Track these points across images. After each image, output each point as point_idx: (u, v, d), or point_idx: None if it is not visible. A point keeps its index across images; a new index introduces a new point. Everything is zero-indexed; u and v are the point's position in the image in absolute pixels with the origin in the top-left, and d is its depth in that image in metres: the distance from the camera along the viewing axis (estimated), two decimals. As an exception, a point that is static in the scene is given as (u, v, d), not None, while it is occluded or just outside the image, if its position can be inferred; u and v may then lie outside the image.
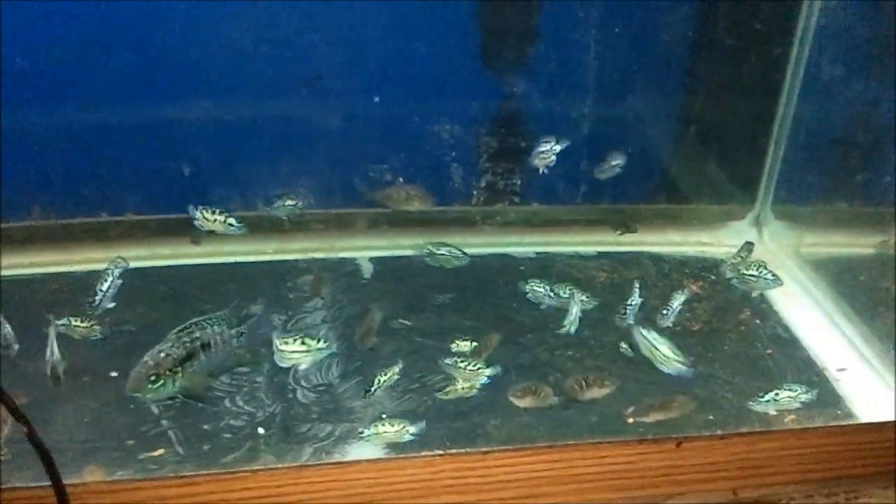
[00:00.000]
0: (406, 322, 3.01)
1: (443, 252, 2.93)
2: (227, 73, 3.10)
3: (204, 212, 2.54)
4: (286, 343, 2.36)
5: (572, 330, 2.78)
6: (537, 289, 2.85)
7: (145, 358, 2.19)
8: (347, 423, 2.53)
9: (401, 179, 3.33)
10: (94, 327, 2.56)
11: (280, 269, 3.30)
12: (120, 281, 2.58)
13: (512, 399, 2.60)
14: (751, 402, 2.49)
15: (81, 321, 2.54)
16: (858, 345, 3.04)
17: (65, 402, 2.52)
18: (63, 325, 2.51)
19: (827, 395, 2.74)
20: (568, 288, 2.84)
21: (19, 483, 2.13)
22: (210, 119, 3.16)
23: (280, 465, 2.35)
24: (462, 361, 2.58)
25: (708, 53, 3.47)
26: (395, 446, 2.39)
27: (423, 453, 2.36)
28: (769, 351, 2.96)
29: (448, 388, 2.62)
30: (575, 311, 2.75)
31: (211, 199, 3.21)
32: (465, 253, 2.95)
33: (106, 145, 3.18)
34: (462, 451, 2.37)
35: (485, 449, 2.37)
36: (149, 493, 2.19)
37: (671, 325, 2.81)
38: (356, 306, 3.08)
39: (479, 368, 2.58)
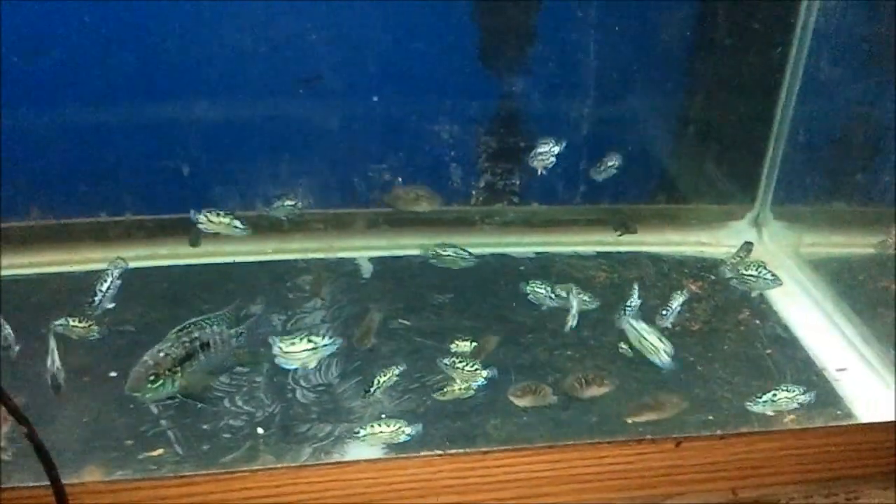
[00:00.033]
0: (405, 322, 3.01)
1: (449, 253, 2.90)
2: (226, 72, 3.11)
3: (208, 214, 2.53)
4: (292, 344, 2.27)
5: (573, 324, 2.76)
6: (538, 290, 2.84)
7: (145, 358, 2.20)
8: (346, 424, 2.53)
9: (399, 179, 3.33)
10: (92, 327, 2.55)
11: (279, 268, 3.30)
12: (119, 281, 2.57)
13: (511, 398, 2.60)
14: (748, 403, 2.48)
15: (79, 321, 2.53)
16: (858, 345, 3.04)
17: (64, 402, 2.51)
18: (61, 325, 2.51)
19: (826, 396, 2.74)
20: (568, 288, 2.83)
21: (19, 483, 2.13)
22: (209, 119, 3.16)
23: (279, 465, 2.35)
24: (460, 362, 2.58)
25: (707, 54, 3.47)
26: (394, 446, 2.38)
27: (423, 453, 2.36)
28: (769, 351, 2.96)
29: (445, 389, 2.62)
30: (574, 306, 2.75)
31: (210, 199, 3.23)
32: (471, 254, 2.90)
33: (105, 145, 3.18)
34: (461, 451, 2.37)
35: (484, 449, 2.37)
36: (148, 493, 2.19)
37: (671, 325, 2.81)
38: (355, 306, 3.08)
39: (476, 369, 2.57)
